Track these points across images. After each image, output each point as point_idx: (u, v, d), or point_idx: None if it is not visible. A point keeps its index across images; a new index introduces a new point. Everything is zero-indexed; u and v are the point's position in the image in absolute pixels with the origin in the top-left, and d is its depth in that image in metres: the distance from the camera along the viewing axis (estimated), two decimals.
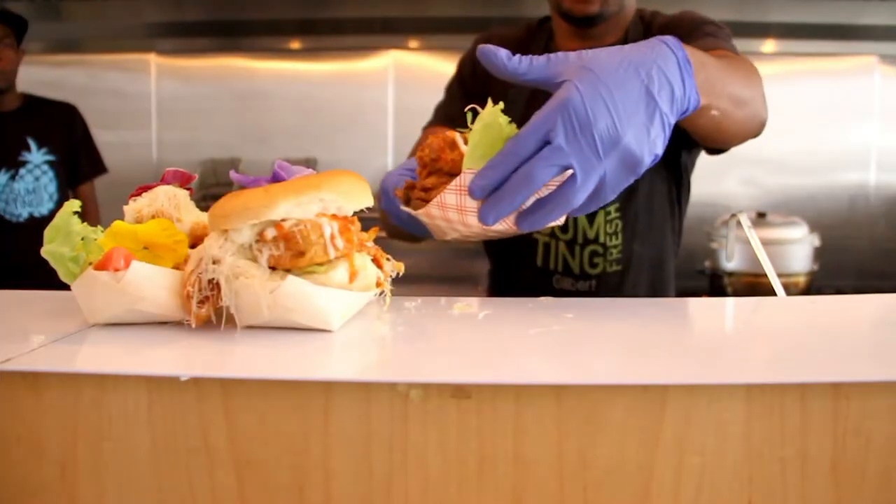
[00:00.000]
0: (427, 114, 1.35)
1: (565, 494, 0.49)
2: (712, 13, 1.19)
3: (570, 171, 0.61)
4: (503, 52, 0.65)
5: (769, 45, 3.66)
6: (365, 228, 0.65)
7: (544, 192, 0.64)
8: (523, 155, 0.61)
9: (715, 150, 1.15)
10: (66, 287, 0.63)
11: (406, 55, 3.65)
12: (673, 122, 0.63)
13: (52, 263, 0.61)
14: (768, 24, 3.54)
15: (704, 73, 0.70)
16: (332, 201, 0.60)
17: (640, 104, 0.61)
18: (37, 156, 2.40)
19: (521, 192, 0.62)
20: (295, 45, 3.78)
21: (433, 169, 0.71)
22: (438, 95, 1.36)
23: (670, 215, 1.27)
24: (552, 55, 0.64)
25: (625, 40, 1.22)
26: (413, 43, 3.68)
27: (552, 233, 1.23)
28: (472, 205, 0.65)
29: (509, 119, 0.65)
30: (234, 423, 0.50)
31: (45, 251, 0.61)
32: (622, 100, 0.60)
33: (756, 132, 0.97)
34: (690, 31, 1.14)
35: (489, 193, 0.63)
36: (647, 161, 0.62)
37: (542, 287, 1.24)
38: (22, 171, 2.37)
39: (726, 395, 0.48)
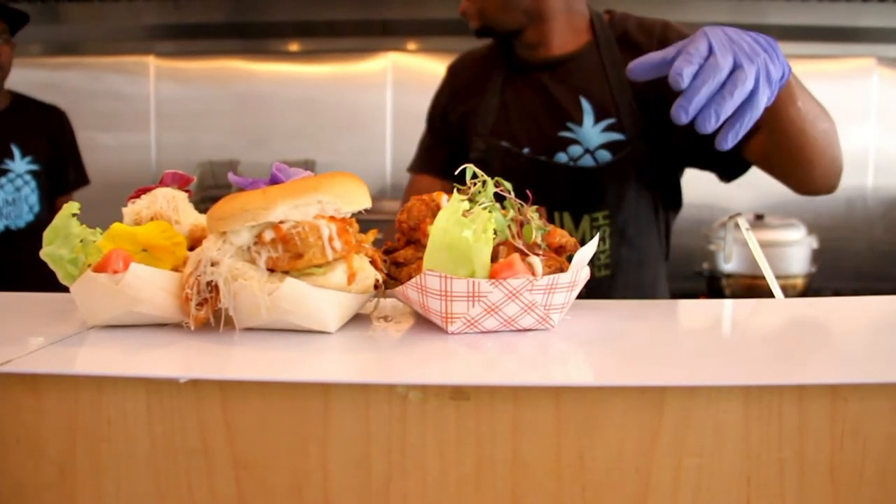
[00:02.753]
0: (425, 116, 1.35)
1: (564, 496, 0.49)
2: (711, 15, 1.18)
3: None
4: (656, 56, 0.73)
5: None
6: (363, 230, 0.65)
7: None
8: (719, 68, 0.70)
9: (730, 176, 1.15)
10: (65, 289, 0.63)
11: (404, 57, 3.66)
12: (778, 80, 0.74)
13: (51, 265, 0.61)
14: (766, 26, 3.54)
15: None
16: (330, 203, 0.60)
17: (758, 48, 0.73)
18: (20, 164, 2.19)
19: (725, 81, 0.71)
20: (293, 47, 3.78)
21: (410, 238, 0.66)
22: None
23: (654, 219, 1.26)
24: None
25: (598, 51, 1.20)
26: (411, 45, 3.68)
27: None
28: (434, 307, 0.59)
29: (477, 229, 0.57)
30: (233, 424, 0.50)
31: (44, 253, 0.61)
32: (746, 41, 0.73)
33: (835, 174, 0.99)
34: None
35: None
36: (777, 80, 0.73)
37: None
38: (2, 180, 2.16)
39: (724, 396, 0.48)
